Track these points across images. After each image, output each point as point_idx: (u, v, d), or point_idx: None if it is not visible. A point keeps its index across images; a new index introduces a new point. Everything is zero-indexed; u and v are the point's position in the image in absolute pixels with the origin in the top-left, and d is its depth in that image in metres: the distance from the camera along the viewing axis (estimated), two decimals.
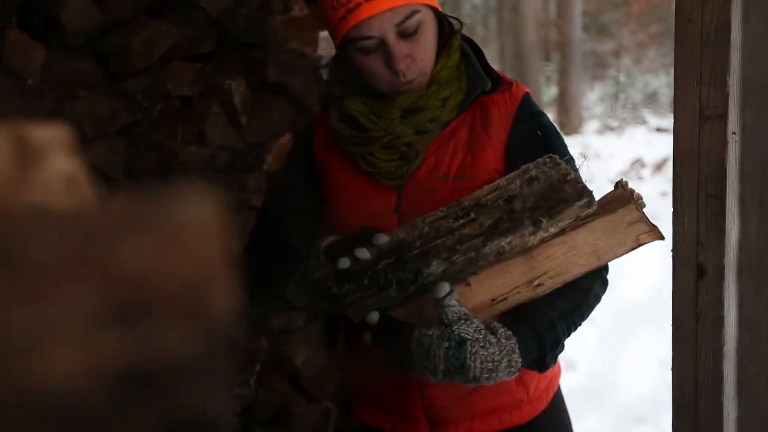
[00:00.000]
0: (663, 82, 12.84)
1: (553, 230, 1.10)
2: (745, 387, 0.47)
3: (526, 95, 1.26)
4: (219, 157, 1.85)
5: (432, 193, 1.21)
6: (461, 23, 1.26)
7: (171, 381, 0.19)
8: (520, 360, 1.08)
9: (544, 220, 1.08)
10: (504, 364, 1.06)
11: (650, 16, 14.61)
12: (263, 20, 1.90)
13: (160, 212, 0.20)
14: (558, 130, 1.29)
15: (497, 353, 1.05)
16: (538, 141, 1.22)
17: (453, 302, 1.05)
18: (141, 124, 1.73)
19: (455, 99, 1.22)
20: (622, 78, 15.00)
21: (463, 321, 1.05)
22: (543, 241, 1.11)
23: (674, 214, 1.17)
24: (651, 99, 13.23)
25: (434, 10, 1.20)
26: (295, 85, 1.95)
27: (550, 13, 16.49)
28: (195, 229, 0.20)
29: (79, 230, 0.19)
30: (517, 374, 1.10)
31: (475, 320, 1.06)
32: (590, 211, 1.11)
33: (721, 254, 1.11)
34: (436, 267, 1.07)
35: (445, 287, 1.05)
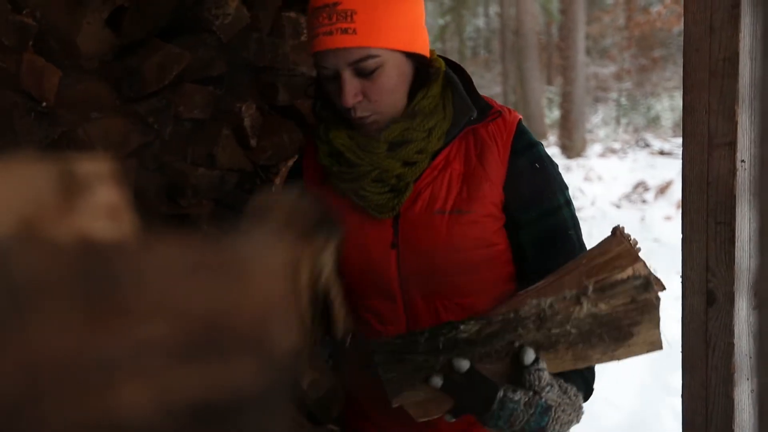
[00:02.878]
0: (665, 106, 12.88)
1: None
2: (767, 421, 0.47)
3: (520, 123, 1.24)
4: (228, 179, 1.86)
5: (428, 228, 1.19)
6: (442, 64, 1.24)
7: (238, 413, 0.20)
8: (583, 413, 1.11)
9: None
10: (574, 422, 1.10)
11: (652, 40, 14.71)
12: (274, 44, 1.93)
13: (229, 254, 0.21)
14: (552, 159, 1.27)
15: (572, 413, 1.08)
16: (536, 174, 1.21)
17: (543, 366, 1.05)
18: (152, 146, 1.75)
19: (441, 128, 1.20)
20: (624, 101, 15.04)
21: (549, 387, 1.05)
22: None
23: (683, 240, 1.17)
24: (653, 122, 13.26)
25: (406, 53, 1.16)
26: (304, 109, 1.97)
27: (552, 36, 16.60)
28: (260, 271, 0.21)
29: (154, 268, 0.20)
30: None
31: (555, 384, 1.07)
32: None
33: (731, 281, 1.11)
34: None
35: (532, 352, 1.05)
